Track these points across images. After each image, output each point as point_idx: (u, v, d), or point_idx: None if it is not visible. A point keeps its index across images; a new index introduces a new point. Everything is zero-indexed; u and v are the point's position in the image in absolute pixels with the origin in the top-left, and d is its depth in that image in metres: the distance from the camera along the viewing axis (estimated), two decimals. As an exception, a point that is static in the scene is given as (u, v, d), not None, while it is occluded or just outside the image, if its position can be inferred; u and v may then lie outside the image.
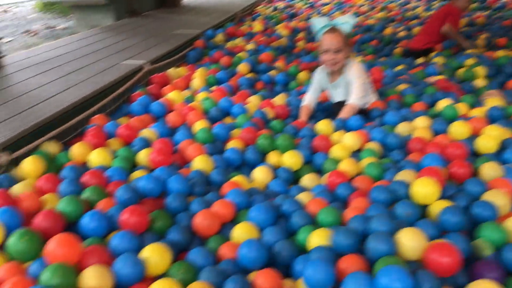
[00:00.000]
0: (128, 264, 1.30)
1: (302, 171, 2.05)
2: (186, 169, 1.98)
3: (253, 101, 2.73)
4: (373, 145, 2.13)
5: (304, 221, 1.56)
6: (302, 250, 1.47)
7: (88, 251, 1.34)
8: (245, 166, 2.11)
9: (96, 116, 2.41)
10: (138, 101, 2.60)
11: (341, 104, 2.52)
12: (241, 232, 1.52)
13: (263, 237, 1.51)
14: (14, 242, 1.34)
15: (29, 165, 1.84)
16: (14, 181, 1.79)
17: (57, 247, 1.29)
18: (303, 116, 2.57)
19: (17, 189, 1.70)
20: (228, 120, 2.54)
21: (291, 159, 2.04)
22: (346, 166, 1.94)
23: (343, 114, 2.45)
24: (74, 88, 2.67)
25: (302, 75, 3.25)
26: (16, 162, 1.90)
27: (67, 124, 2.23)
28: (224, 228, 1.61)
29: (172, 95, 2.75)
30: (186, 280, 1.30)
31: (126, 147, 2.08)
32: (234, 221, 1.64)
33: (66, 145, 2.14)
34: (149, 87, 2.92)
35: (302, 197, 1.75)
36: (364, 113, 2.52)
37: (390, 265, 1.21)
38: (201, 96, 2.76)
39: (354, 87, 2.48)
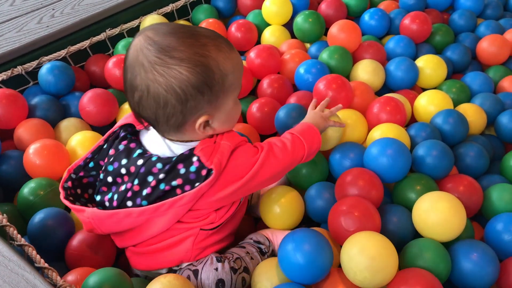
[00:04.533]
0: (403, 67, 1.27)
1: None
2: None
3: None
4: None
5: None
6: None
7: (366, 45, 1.35)
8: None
9: None
10: None
11: None
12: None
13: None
14: (301, 21, 1.41)
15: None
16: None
17: (339, 31, 1.33)
18: None
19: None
20: None
21: None
22: None
23: None
24: None
25: None
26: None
27: None
28: (511, 61, 1.42)
29: None
30: (458, 99, 1.23)
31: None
32: (525, 55, 1.42)
33: None
34: None
35: None
36: None
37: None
38: None
39: None
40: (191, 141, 0.76)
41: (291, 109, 1.07)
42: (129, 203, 0.75)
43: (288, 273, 0.74)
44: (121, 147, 0.79)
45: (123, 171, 0.76)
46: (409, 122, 1.21)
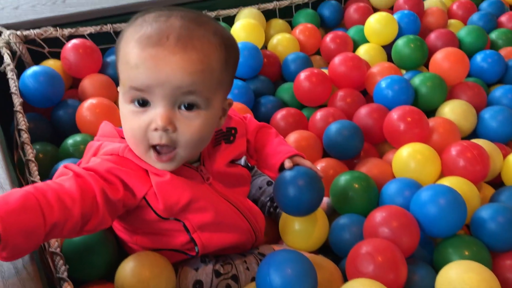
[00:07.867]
0: (500, 118, 1.09)
1: None
2: None
3: None
4: None
5: None
6: None
7: (466, 85, 1.19)
8: None
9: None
10: None
11: None
12: None
13: None
14: (402, 44, 1.27)
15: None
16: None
17: (444, 58, 1.21)
18: None
19: None
20: None
21: None
22: None
23: None
24: None
25: None
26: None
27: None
28: None
29: None
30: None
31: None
32: None
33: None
34: None
35: None
36: None
37: None
38: None
39: None
40: None
41: (344, 127, 0.96)
42: None
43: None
44: None
45: None
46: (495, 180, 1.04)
